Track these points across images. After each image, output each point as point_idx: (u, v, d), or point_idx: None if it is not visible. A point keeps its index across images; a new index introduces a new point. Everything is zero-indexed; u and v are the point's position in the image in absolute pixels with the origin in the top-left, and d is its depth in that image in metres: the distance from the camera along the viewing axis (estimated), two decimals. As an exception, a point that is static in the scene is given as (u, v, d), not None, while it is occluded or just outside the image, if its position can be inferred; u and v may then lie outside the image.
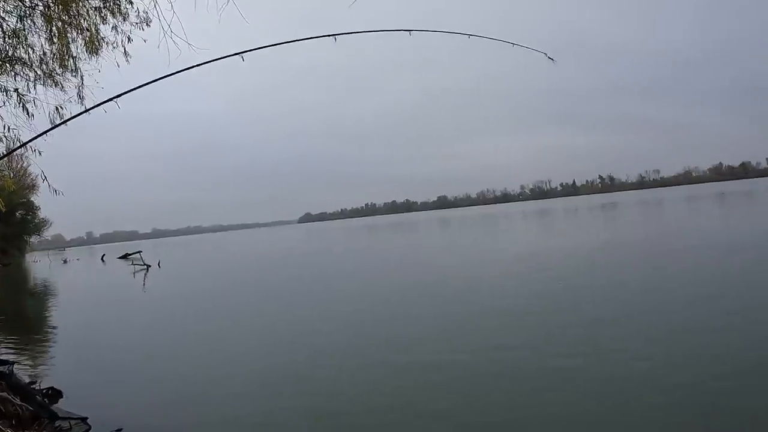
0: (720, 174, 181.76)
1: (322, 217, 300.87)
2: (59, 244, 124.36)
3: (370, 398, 6.16)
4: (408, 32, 5.06)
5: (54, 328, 14.07)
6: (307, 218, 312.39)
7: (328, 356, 8.16)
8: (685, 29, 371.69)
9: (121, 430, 5.49)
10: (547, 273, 14.42)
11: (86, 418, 5.70)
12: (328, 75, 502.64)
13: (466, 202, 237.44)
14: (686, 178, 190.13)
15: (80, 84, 6.47)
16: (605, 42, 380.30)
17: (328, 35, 4.77)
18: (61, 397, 6.33)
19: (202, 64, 4.65)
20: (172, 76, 4.70)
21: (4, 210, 7.72)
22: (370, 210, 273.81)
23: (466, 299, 11.77)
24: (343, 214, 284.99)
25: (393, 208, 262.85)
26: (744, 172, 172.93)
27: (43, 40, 6.22)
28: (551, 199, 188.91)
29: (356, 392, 6.44)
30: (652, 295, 10.35)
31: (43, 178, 5.83)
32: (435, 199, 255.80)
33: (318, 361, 7.88)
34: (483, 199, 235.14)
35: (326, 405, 6.04)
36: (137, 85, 4.67)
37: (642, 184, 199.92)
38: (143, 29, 6.22)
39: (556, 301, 10.57)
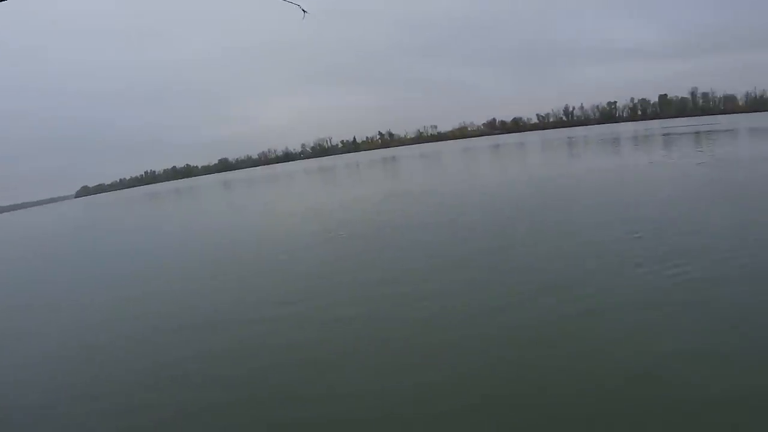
0: (493, 128, 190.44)
1: (100, 189, 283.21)
2: None
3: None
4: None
5: None
6: (85, 192, 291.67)
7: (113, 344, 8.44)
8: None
9: None
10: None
11: None
12: (90, 32, 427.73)
13: (248, 163, 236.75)
14: (462, 133, 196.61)
15: None
16: (385, 3, 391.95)
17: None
18: None
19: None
20: None
21: None
22: (149, 178, 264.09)
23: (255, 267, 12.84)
24: (122, 184, 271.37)
25: (173, 174, 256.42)
26: (516, 126, 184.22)
27: None
28: (332, 156, 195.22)
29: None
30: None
31: None
32: (216, 162, 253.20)
33: (102, 350, 8.16)
34: (265, 160, 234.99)
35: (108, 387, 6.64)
36: None
37: (420, 138, 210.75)
38: None
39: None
